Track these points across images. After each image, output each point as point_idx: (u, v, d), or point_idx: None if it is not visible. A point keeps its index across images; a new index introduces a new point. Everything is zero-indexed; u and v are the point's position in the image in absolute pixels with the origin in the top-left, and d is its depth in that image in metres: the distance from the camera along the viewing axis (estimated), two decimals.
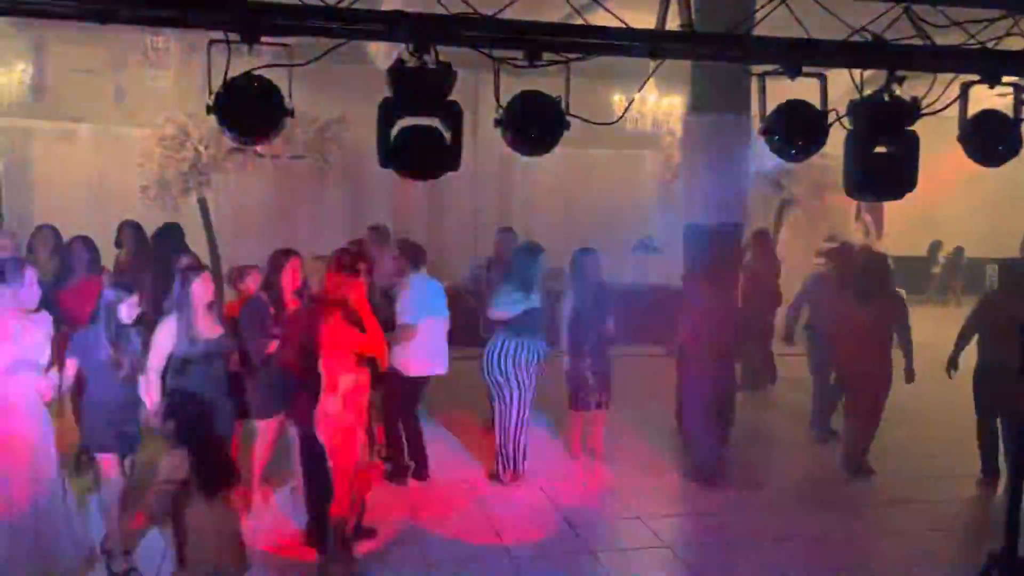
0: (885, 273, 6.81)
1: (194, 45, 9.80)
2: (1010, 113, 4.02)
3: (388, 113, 3.30)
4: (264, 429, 5.46)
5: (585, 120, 3.52)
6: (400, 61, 3.28)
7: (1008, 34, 3.85)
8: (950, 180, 10.40)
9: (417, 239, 6.68)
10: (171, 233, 7.43)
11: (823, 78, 3.80)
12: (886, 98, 3.80)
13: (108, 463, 4.56)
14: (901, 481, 6.64)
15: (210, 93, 3.16)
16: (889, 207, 15.41)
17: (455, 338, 6.38)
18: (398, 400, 6.06)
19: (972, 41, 3.79)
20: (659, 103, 11.96)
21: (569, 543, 5.34)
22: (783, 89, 3.81)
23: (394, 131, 3.31)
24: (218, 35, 3.11)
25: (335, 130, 10.65)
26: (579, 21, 3.52)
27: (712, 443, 6.52)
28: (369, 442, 4.90)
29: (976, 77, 3.85)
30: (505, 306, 6.14)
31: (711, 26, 4.13)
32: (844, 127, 3.88)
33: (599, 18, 3.51)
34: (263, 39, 3.14)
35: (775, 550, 5.27)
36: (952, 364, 6.50)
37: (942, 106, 3.80)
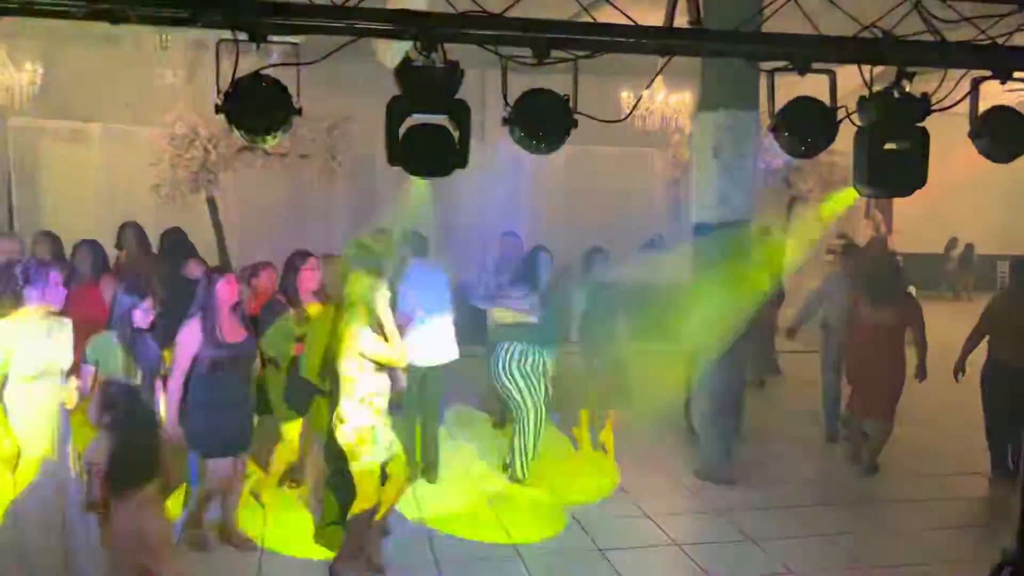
0: (897, 275, 6.80)
1: (203, 44, 9.85)
2: (1021, 109, 3.99)
3: (396, 111, 3.30)
4: (287, 431, 5.46)
5: (593, 118, 3.51)
6: (407, 59, 3.28)
7: (1020, 29, 3.82)
8: (960, 177, 10.35)
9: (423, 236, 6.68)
10: (179, 237, 7.43)
11: (833, 74, 3.78)
12: (896, 94, 3.77)
13: None
14: (912, 479, 6.62)
15: (219, 92, 3.17)
16: (898, 204, 15.35)
17: (463, 336, 6.39)
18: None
19: (983, 37, 3.76)
20: (667, 100, 11.91)
21: (578, 541, 5.34)
22: (792, 86, 3.79)
23: (402, 129, 3.31)
24: (226, 34, 3.12)
25: (343, 129, 10.66)
26: (587, 19, 3.51)
27: (721, 441, 6.52)
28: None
29: (987, 73, 3.82)
30: (515, 306, 6.14)
31: (719, 23, 4.12)
32: (854, 124, 3.86)
33: (607, 15, 3.50)
34: (271, 38, 3.14)
35: (785, 548, 5.26)
36: (960, 369, 6.47)
37: (952, 102, 3.78)
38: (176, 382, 4.64)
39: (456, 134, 3.34)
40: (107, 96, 11.45)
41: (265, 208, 11.93)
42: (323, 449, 5.01)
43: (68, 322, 4.28)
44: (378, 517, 4.72)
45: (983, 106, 3.91)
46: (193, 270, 6.29)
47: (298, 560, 4.96)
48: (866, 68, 3.78)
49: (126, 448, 4.12)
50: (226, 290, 4.75)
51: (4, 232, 9.74)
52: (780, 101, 3.79)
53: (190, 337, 4.67)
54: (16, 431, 3.99)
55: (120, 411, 4.22)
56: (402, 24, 3.28)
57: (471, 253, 10.25)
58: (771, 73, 3.80)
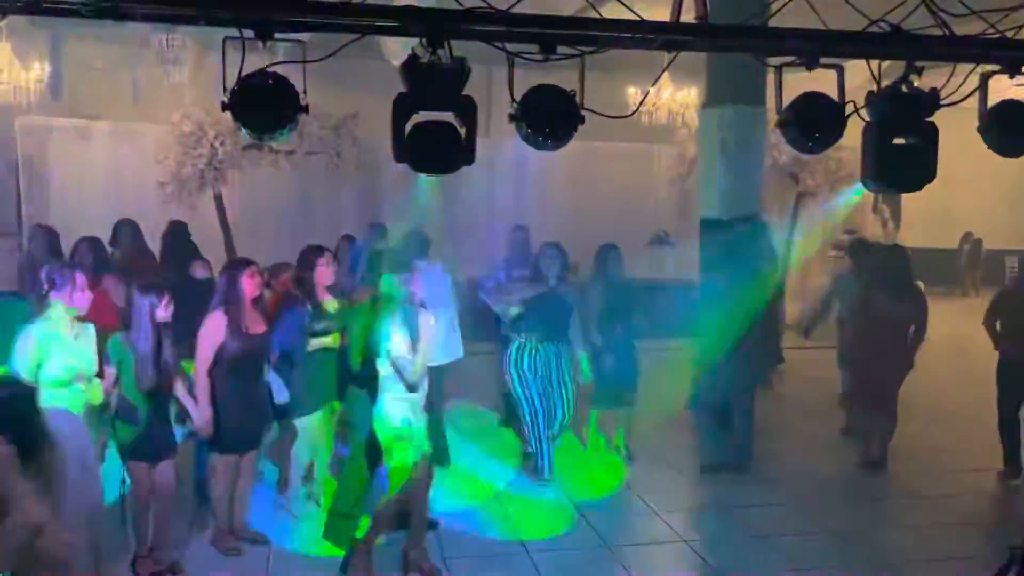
0: (907, 271, 6.80)
1: (209, 42, 9.85)
2: None
3: (402, 108, 3.30)
4: (304, 427, 5.45)
5: (600, 114, 3.50)
6: (414, 56, 3.28)
7: None
8: (969, 172, 10.30)
9: (431, 234, 6.68)
10: (180, 230, 7.42)
11: (840, 69, 3.77)
12: (904, 89, 3.75)
13: (142, 471, 4.49)
14: (921, 475, 6.60)
15: (225, 90, 3.17)
16: (906, 199, 15.30)
17: (472, 333, 6.38)
18: None
19: (992, 30, 3.74)
20: (674, 96, 11.89)
21: (585, 537, 5.34)
22: (800, 81, 3.77)
23: (408, 126, 3.31)
24: (233, 32, 3.12)
25: (350, 126, 10.68)
26: (593, 14, 3.50)
27: (729, 437, 6.51)
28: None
29: (996, 67, 3.80)
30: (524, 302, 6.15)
31: (726, 18, 4.10)
32: (862, 119, 3.84)
33: (613, 11, 3.49)
34: (277, 36, 3.15)
35: (793, 544, 5.25)
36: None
37: (961, 97, 3.76)
38: (202, 375, 4.63)
39: (462, 131, 3.34)
40: (114, 94, 11.49)
41: (272, 205, 11.96)
42: (366, 445, 5.00)
43: (91, 326, 4.25)
44: (413, 515, 4.74)
45: (992, 100, 3.89)
46: (198, 271, 6.29)
47: (307, 556, 4.97)
48: (874, 63, 3.76)
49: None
50: (250, 283, 4.77)
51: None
52: (787, 96, 3.78)
53: (214, 329, 4.67)
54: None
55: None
56: (408, 21, 3.28)
57: (479, 249, 10.26)
58: (778, 68, 3.78)
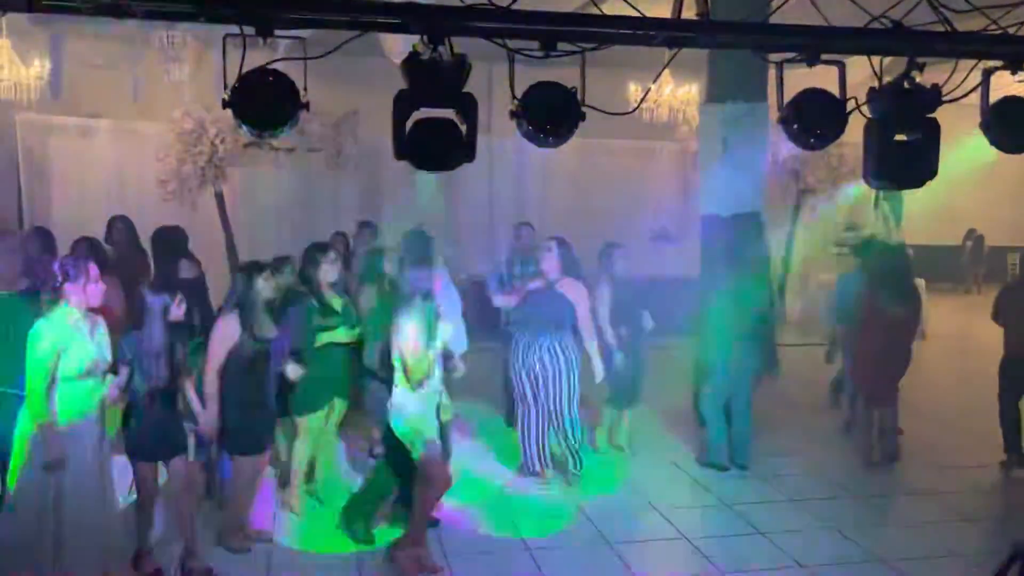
0: (908, 268, 6.82)
1: (210, 39, 9.86)
2: None
3: (403, 105, 3.30)
4: (307, 424, 5.41)
5: (601, 111, 3.50)
6: (414, 53, 3.27)
7: None
8: (971, 168, 10.30)
9: (433, 231, 6.67)
10: (171, 236, 7.38)
11: (842, 66, 3.76)
12: (906, 85, 3.75)
13: (149, 470, 4.46)
14: (923, 471, 6.60)
15: (226, 87, 3.17)
16: (910, 195, 15.26)
17: (474, 331, 6.38)
18: None
19: (994, 26, 3.73)
20: (675, 93, 11.87)
21: (586, 534, 5.35)
22: (801, 77, 3.77)
23: (409, 123, 3.31)
24: (233, 29, 3.12)
25: (350, 123, 10.67)
26: (594, 11, 3.49)
27: (729, 433, 6.52)
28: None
29: (998, 63, 3.80)
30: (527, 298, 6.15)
31: (728, 14, 4.10)
32: (863, 115, 3.84)
33: (614, 7, 3.48)
34: (278, 32, 3.14)
35: (794, 541, 5.25)
36: None
37: (963, 93, 3.75)
38: (212, 377, 4.62)
39: (463, 128, 3.34)
40: (114, 92, 11.48)
41: (273, 203, 11.95)
42: (384, 439, 5.01)
43: (102, 320, 4.22)
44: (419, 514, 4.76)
45: (994, 96, 3.88)
46: (183, 271, 6.29)
47: (307, 554, 4.97)
48: (876, 59, 3.76)
49: None
50: (266, 286, 4.78)
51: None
52: (789, 93, 3.77)
53: (228, 331, 4.67)
54: (63, 431, 3.91)
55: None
56: (409, 18, 3.27)
57: (480, 245, 10.27)
58: (780, 65, 3.78)
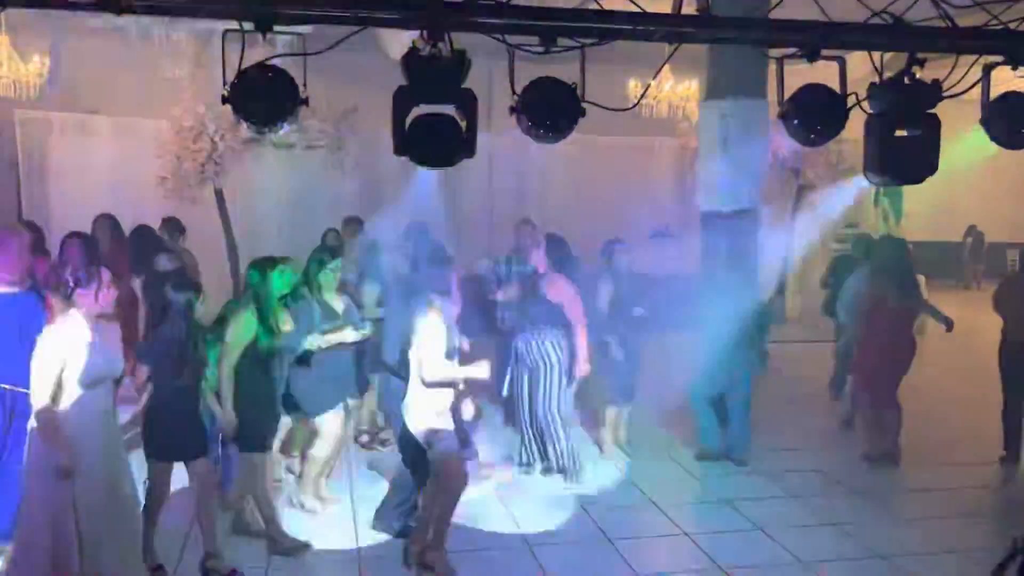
0: (909, 264, 6.82)
1: (209, 36, 9.83)
2: None
3: (403, 101, 3.29)
4: (320, 425, 5.38)
5: (601, 106, 3.49)
6: (414, 49, 3.27)
7: None
8: (971, 164, 10.28)
9: (432, 227, 6.67)
10: (145, 232, 7.38)
11: (842, 61, 3.76)
12: (907, 81, 3.74)
13: (164, 471, 4.43)
14: (923, 467, 6.60)
15: (225, 83, 3.16)
16: (911, 191, 15.25)
17: (475, 327, 6.37)
18: None
19: (994, 22, 3.72)
20: (675, 89, 11.85)
21: (586, 531, 5.35)
22: (801, 73, 3.76)
23: (409, 119, 3.30)
24: (233, 25, 3.11)
25: (350, 119, 10.65)
26: (594, 6, 3.49)
27: (727, 428, 6.52)
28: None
29: (999, 59, 3.79)
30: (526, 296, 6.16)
31: (728, 9, 4.08)
32: (864, 111, 3.83)
33: (614, 3, 3.48)
34: (277, 28, 3.14)
35: (794, 537, 5.25)
36: None
37: (964, 89, 3.75)
38: (229, 373, 4.61)
39: (463, 124, 3.33)
40: (114, 88, 11.45)
41: (272, 200, 11.92)
42: (400, 437, 5.01)
43: (116, 326, 4.15)
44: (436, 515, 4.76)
45: (995, 92, 3.88)
46: (162, 263, 6.30)
47: (320, 552, 4.96)
48: (876, 55, 3.75)
49: None
50: (280, 282, 4.77)
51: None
52: (789, 88, 3.77)
53: (245, 329, 4.66)
54: (71, 441, 3.79)
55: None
56: (409, 13, 3.27)
57: (480, 242, 10.25)
58: (780, 60, 3.77)
